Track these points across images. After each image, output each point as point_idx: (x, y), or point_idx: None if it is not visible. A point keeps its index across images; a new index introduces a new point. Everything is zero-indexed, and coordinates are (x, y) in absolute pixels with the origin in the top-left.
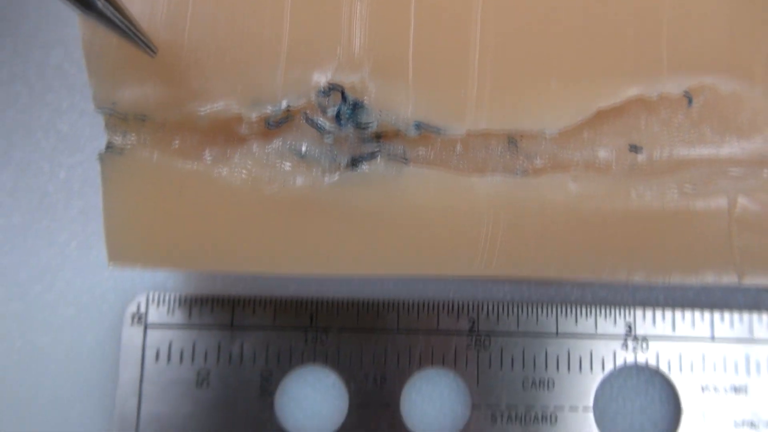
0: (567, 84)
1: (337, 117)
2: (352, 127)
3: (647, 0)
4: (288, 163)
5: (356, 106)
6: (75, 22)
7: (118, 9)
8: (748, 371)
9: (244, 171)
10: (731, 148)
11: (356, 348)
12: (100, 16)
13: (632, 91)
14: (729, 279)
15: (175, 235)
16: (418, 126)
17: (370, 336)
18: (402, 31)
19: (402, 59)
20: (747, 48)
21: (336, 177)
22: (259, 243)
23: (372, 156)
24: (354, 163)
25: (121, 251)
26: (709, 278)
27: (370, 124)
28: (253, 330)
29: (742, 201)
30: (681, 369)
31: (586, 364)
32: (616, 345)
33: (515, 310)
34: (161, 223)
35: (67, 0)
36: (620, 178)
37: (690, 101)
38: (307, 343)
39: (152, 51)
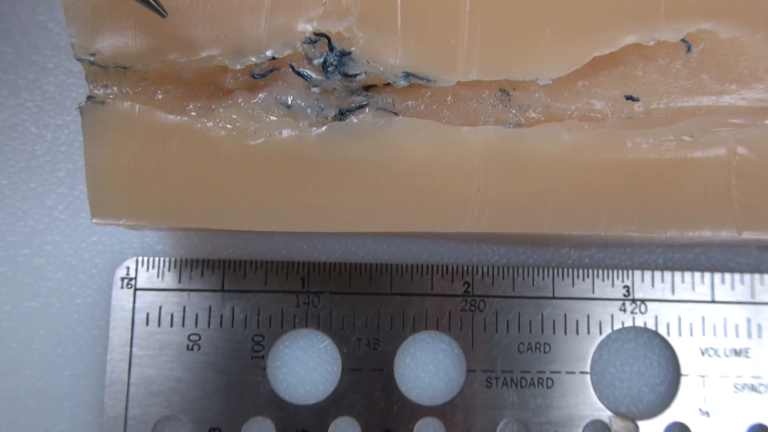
0: (561, 31)
1: (324, 67)
2: (340, 77)
3: None
4: (273, 116)
5: (343, 56)
6: None
7: None
8: (749, 334)
9: (228, 124)
10: (731, 97)
11: (349, 311)
12: None
13: (628, 38)
14: (728, 233)
15: (159, 189)
16: (408, 76)
17: (363, 299)
18: None
19: (390, 7)
20: None
21: (323, 129)
22: (245, 199)
23: (360, 107)
24: (342, 114)
25: (103, 206)
26: (707, 232)
27: (358, 75)
28: (244, 293)
29: (741, 151)
30: (680, 332)
31: (583, 328)
32: (614, 308)
33: (511, 272)
34: (144, 178)
35: None
36: (616, 128)
37: (689, 48)
38: (299, 307)
39: (162, 13)
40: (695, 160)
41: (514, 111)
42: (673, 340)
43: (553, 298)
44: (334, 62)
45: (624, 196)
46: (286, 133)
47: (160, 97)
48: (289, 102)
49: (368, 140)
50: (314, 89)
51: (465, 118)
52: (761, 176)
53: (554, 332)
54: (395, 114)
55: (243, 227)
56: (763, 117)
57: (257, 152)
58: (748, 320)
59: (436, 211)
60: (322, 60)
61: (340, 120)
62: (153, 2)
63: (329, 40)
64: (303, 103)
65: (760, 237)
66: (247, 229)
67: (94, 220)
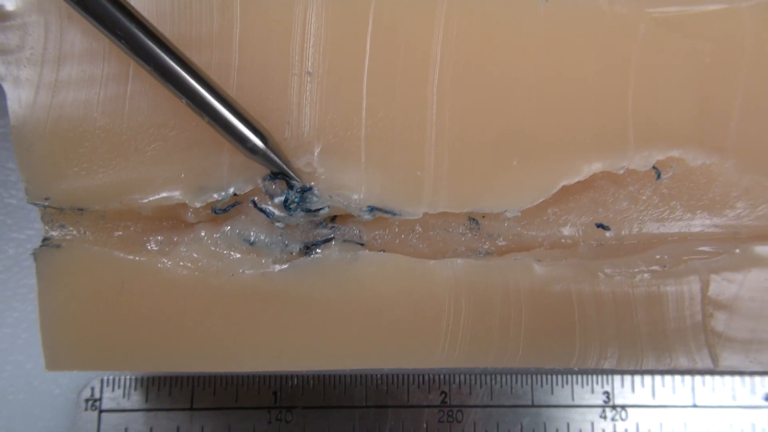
0: (528, 162)
1: (285, 204)
2: (302, 213)
3: (611, 75)
4: (236, 253)
5: (304, 191)
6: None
7: (276, 151)
8: None
9: (189, 262)
10: (703, 224)
11: (323, 426)
12: (264, 158)
13: (597, 167)
14: (703, 364)
15: (118, 336)
16: (372, 210)
17: (337, 413)
18: (354, 111)
19: (354, 140)
20: (717, 120)
21: (287, 266)
22: (208, 341)
23: (326, 241)
24: (307, 248)
25: (59, 355)
26: (683, 363)
27: (321, 209)
28: (214, 411)
29: (714, 280)
30: None
31: None
32: (594, 415)
33: (488, 381)
34: (102, 324)
35: (236, 143)
36: (587, 257)
37: (659, 175)
38: (271, 423)
39: (297, 180)
40: (668, 291)
41: (484, 239)
42: None
43: (532, 406)
44: (296, 199)
45: (596, 329)
46: (249, 271)
47: (119, 233)
48: (252, 238)
49: (334, 276)
50: (278, 224)
51: (434, 248)
52: (735, 306)
53: None
54: (362, 245)
55: (206, 369)
56: (735, 245)
57: (220, 291)
58: (731, 426)
59: (406, 347)
60: (283, 198)
61: (306, 254)
62: (294, 176)
63: (286, 178)
64: (267, 239)
65: (737, 366)
66: (211, 371)
67: (48, 370)
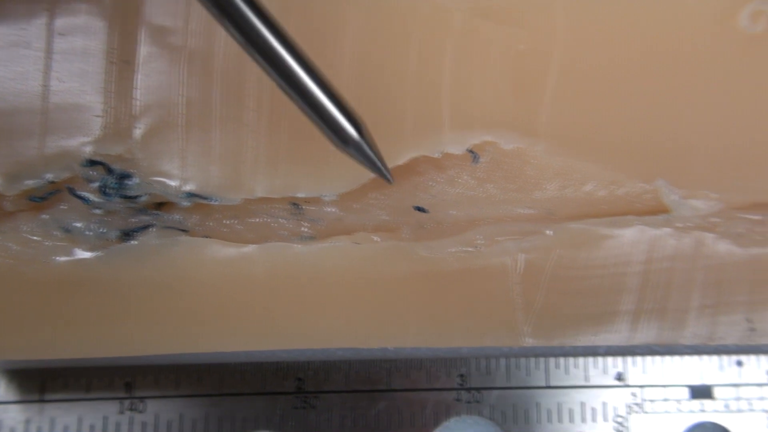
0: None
1: (103, 190)
2: (120, 199)
3: (427, 63)
4: (52, 241)
5: (123, 178)
6: None
7: (371, 143)
8: (583, 419)
9: (3, 251)
10: (517, 207)
11: (175, 415)
12: (358, 150)
13: (414, 152)
14: (515, 341)
15: None
16: (190, 196)
17: (190, 402)
18: (172, 99)
19: (173, 127)
20: (529, 106)
21: (102, 252)
22: (25, 329)
23: (145, 227)
24: (126, 235)
25: None
26: (500, 340)
27: (140, 196)
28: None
29: (526, 260)
30: (515, 420)
31: (419, 419)
32: (450, 398)
33: (344, 366)
34: None
35: (327, 130)
36: (407, 240)
37: (475, 158)
38: (123, 414)
39: (389, 180)
40: (480, 270)
41: (306, 224)
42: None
43: (388, 390)
44: (113, 185)
45: (412, 309)
46: (62, 259)
47: None
48: (69, 225)
49: (151, 262)
50: (96, 211)
51: (257, 233)
52: (543, 285)
53: (390, 425)
54: (185, 232)
55: (19, 358)
56: (547, 225)
57: (34, 280)
58: (582, 404)
59: (225, 331)
60: (98, 184)
61: (126, 239)
62: (384, 173)
63: (105, 164)
64: (83, 227)
65: (549, 344)
66: (22, 359)
67: None
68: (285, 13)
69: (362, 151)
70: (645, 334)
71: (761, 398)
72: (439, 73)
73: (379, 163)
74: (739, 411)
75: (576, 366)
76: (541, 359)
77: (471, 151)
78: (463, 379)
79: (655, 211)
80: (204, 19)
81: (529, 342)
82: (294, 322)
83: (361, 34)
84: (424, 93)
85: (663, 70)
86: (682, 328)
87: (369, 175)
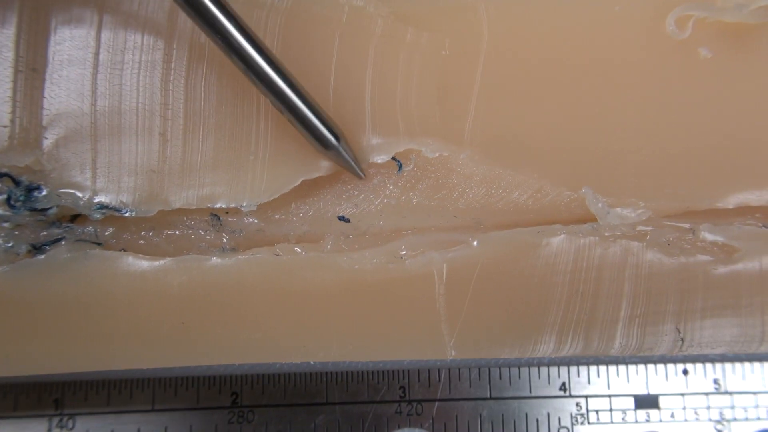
0: (265, 157)
1: (9, 201)
2: (28, 212)
3: (349, 69)
4: None
5: (31, 190)
6: None
7: (347, 150)
8: (527, 430)
9: None
10: (442, 216)
11: (104, 429)
12: (336, 154)
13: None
14: (440, 353)
15: None
16: (102, 208)
17: (122, 418)
18: (81, 107)
19: (83, 137)
20: (454, 112)
21: (7, 267)
22: None
23: (55, 241)
24: (37, 249)
25: None
26: (425, 353)
27: (49, 209)
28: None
29: (451, 270)
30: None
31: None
32: (391, 410)
33: (281, 380)
34: None
35: (312, 139)
36: (331, 251)
37: (400, 167)
38: (52, 430)
39: (362, 176)
40: (404, 281)
41: (226, 236)
42: None
43: (326, 403)
44: (21, 197)
45: (336, 321)
46: None
47: None
48: None
49: (61, 277)
50: (4, 224)
51: (176, 245)
52: (468, 296)
53: None
54: (98, 245)
55: None
56: (473, 235)
57: None
58: (526, 415)
59: (138, 347)
60: (5, 196)
61: (35, 255)
62: (356, 169)
63: (11, 175)
64: None
65: (473, 356)
66: None
67: None
68: None
69: (341, 155)
70: (573, 346)
71: (708, 407)
72: (361, 79)
73: (355, 166)
74: (686, 420)
75: (519, 377)
76: (485, 370)
77: (395, 160)
78: (404, 391)
79: (582, 220)
80: (115, 27)
81: (453, 354)
82: (213, 336)
83: (280, 39)
84: (345, 100)
85: (590, 77)
86: (610, 339)
87: (289, 185)
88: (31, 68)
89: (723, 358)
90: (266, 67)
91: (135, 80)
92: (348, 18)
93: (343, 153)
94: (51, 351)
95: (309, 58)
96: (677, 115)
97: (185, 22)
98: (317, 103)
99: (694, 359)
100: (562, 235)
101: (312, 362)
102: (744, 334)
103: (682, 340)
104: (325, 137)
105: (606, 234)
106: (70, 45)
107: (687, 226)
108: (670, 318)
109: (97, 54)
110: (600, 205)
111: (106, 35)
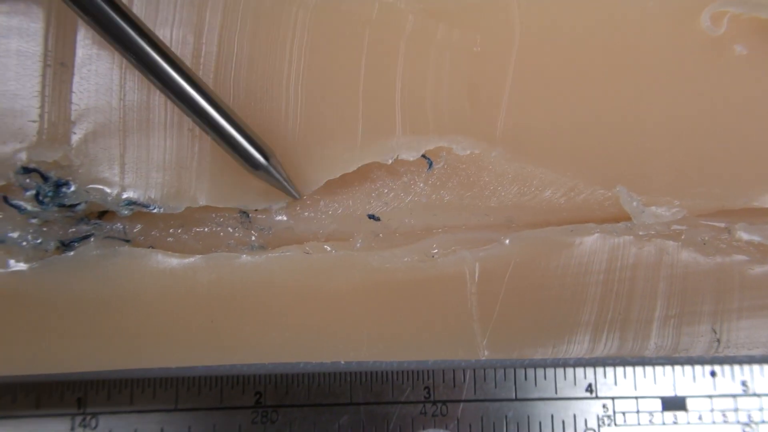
0: (290, 158)
1: (38, 198)
2: (57, 208)
3: (379, 65)
4: None
5: (59, 186)
6: None
7: (277, 168)
8: (553, 431)
9: None
10: (473, 214)
11: (129, 431)
12: (267, 174)
13: (365, 158)
14: (472, 354)
15: None
16: (130, 204)
17: (145, 417)
18: (110, 103)
19: (111, 132)
20: (485, 110)
21: (37, 264)
22: None
23: (84, 238)
24: (65, 246)
25: None
26: (457, 353)
27: (78, 205)
28: None
29: (483, 269)
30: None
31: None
32: (416, 411)
33: (305, 380)
34: None
35: (239, 159)
36: (361, 249)
37: (430, 165)
38: (75, 430)
39: (296, 197)
40: (435, 280)
41: (255, 234)
42: None
43: (351, 404)
44: (49, 193)
45: (365, 321)
46: None
47: None
48: (3, 236)
49: (90, 274)
50: (33, 220)
51: (204, 242)
52: (500, 296)
53: None
54: (127, 242)
55: None
56: (505, 234)
57: None
58: (552, 417)
59: (167, 345)
60: (33, 192)
61: (64, 252)
62: (291, 191)
63: (40, 171)
64: (18, 237)
65: (507, 357)
66: None
67: None
68: (233, 14)
69: (270, 174)
70: (607, 346)
71: (736, 410)
72: (391, 76)
73: (288, 186)
74: (714, 423)
75: (545, 378)
76: (510, 370)
77: (425, 157)
78: (428, 391)
79: (616, 219)
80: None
81: (485, 354)
82: (241, 334)
83: (309, 35)
84: (375, 97)
85: (623, 74)
86: (645, 339)
87: (316, 185)
88: (60, 63)
89: (751, 360)
90: (183, 84)
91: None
92: (378, 14)
93: (274, 173)
94: (76, 349)
95: (338, 55)
96: (712, 112)
97: (214, 17)
98: (243, 121)
99: (721, 361)
100: (596, 234)
101: (337, 362)
102: None
103: (719, 341)
104: (252, 157)
105: (640, 233)
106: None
107: (722, 225)
108: (706, 318)
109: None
110: (634, 203)
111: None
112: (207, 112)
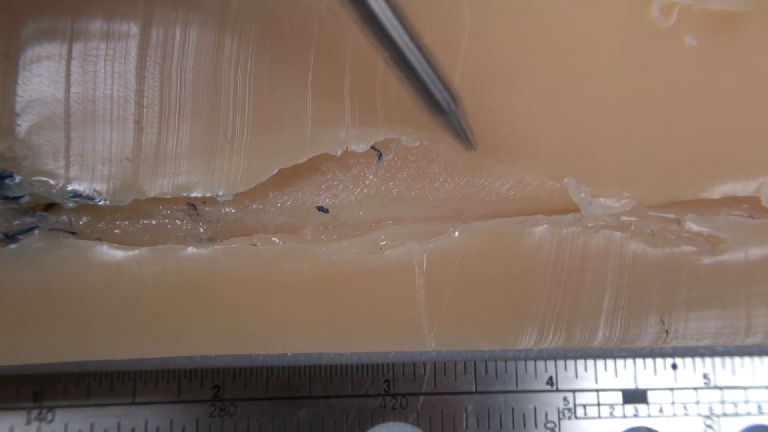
0: (240, 146)
1: None
2: (1, 200)
3: (328, 55)
4: None
5: (2, 177)
6: None
7: (463, 115)
8: (513, 424)
9: None
10: (423, 206)
11: (86, 425)
12: (448, 120)
13: (314, 150)
14: (420, 345)
15: None
16: (75, 196)
17: (102, 411)
18: (55, 94)
19: (56, 124)
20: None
21: None
22: None
23: (28, 230)
24: (8, 238)
25: None
26: (405, 345)
27: (22, 198)
28: None
29: (431, 261)
30: (443, 426)
31: (342, 426)
32: (375, 404)
33: (264, 373)
34: None
35: (425, 104)
36: (309, 241)
37: (380, 156)
38: (31, 424)
39: (475, 147)
40: (384, 272)
41: (203, 226)
42: None
43: (309, 397)
44: None
45: (314, 313)
46: None
47: None
48: None
49: (33, 266)
50: None
51: (152, 234)
52: (449, 288)
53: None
54: (73, 234)
55: None
56: (455, 225)
57: None
58: (512, 410)
59: (113, 338)
60: None
61: (8, 245)
62: (470, 139)
63: None
64: None
65: (454, 348)
66: None
67: None
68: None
69: (455, 119)
70: (555, 338)
71: (697, 402)
72: (341, 67)
73: (469, 134)
74: (675, 416)
75: (506, 371)
76: (470, 363)
77: (375, 149)
78: (388, 384)
79: (566, 210)
80: (90, 12)
81: (432, 346)
82: (188, 326)
83: (257, 26)
84: (324, 88)
85: (573, 65)
86: (593, 331)
87: (266, 174)
88: (4, 54)
89: (713, 353)
90: (389, 16)
91: (110, 67)
92: (327, 4)
93: (460, 119)
94: (26, 342)
95: (287, 46)
96: (662, 104)
97: (162, 7)
98: (435, 64)
99: (683, 353)
100: (545, 226)
101: (295, 355)
102: (729, 326)
103: (667, 332)
104: (440, 100)
105: (589, 224)
106: (44, 27)
107: (672, 216)
108: (655, 310)
109: (71, 40)
110: (583, 195)
111: (80, 21)
112: (408, 47)
